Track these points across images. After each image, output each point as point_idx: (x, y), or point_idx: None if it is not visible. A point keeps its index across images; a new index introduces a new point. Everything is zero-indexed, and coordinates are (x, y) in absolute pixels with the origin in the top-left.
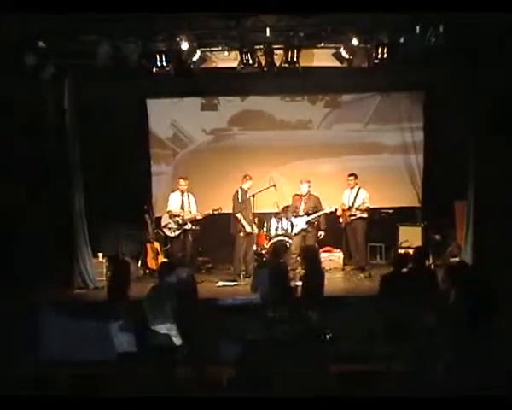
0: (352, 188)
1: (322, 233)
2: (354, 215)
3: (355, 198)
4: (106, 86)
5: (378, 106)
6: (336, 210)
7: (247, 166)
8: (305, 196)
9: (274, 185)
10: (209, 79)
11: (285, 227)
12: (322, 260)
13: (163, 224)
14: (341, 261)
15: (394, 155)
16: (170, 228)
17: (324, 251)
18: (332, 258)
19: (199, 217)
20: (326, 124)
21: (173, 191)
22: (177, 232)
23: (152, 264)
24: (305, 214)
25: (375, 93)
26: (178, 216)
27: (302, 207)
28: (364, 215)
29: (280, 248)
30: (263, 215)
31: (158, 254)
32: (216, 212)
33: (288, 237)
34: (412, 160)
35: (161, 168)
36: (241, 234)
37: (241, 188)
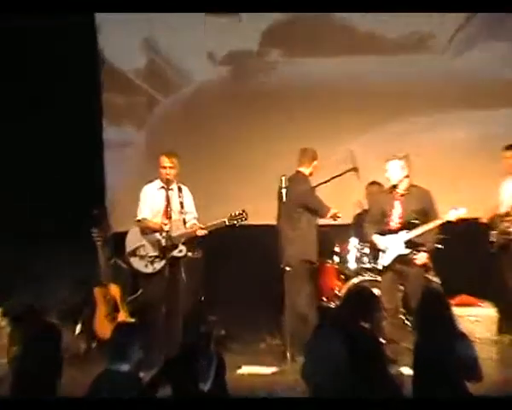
0: None
1: (422, 256)
2: None
3: None
4: None
5: None
6: (474, 219)
7: (298, 130)
8: (395, 187)
9: (355, 168)
10: None
11: (375, 256)
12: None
13: (129, 247)
14: (495, 325)
15: None
16: (143, 256)
17: (459, 304)
18: (476, 318)
19: (201, 232)
20: (458, 44)
21: (149, 182)
22: (158, 264)
23: (103, 328)
24: (403, 228)
25: None
26: (160, 231)
27: (397, 212)
28: None
29: (369, 299)
30: (327, 229)
31: (116, 308)
32: (235, 222)
33: (378, 274)
34: None
35: (124, 134)
36: (288, 268)
37: (297, 174)
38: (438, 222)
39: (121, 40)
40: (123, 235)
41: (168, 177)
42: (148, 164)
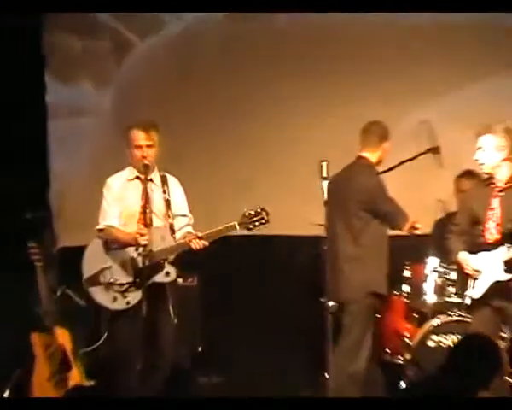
0: None
1: None
2: None
3: None
4: None
5: None
6: None
7: (341, 89)
8: (492, 177)
9: (434, 149)
10: None
11: (463, 285)
12: None
13: (88, 270)
14: None
15: None
16: (109, 284)
17: None
18: None
19: (198, 245)
20: None
21: (118, 171)
22: (133, 296)
23: (46, 396)
24: (503, 241)
25: None
26: (136, 245)
27: (495, 216)
28: None
29: (489, 357)
30: (391, 244)
31: (66, 364)
32: (251, 226)
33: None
34: None
35: (79, 96)
36: (333, 303)
37: (359, 161)
38: None
39: None
40: (77, 251)
41: (146, 161)
42: (116, 142)
